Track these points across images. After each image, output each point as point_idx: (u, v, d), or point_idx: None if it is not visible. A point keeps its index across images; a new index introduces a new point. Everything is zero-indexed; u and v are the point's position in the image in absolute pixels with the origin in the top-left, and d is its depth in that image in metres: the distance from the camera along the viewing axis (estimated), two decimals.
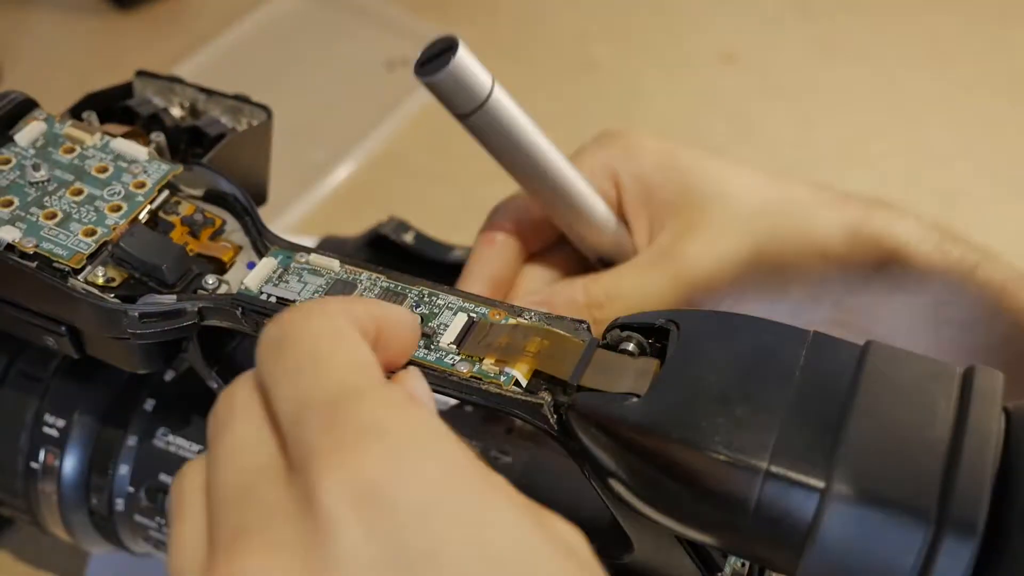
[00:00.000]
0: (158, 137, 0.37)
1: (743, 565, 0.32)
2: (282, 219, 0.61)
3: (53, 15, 0.73)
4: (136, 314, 0.32)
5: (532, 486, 0.34)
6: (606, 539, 0.32)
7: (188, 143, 0.39)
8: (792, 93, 0.71)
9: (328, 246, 0.46)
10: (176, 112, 0.40)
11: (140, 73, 0.40)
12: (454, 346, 0.30)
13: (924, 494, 0.24)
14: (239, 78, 0.69)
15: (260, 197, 0.41)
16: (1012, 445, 0.26)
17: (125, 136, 0.37)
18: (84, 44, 0.71)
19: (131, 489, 0.38)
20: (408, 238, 0.44)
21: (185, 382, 0.38)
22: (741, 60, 0.73)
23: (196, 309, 0.32)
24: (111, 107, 0.39)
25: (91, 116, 0.38)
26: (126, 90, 0.40)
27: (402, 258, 0.44)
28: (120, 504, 0.38)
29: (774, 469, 0.25)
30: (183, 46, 0.70)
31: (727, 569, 0.31)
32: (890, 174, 0.66)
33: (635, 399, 0.27)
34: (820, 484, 0.25)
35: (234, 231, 0.35)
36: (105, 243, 0.33)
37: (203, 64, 0.71)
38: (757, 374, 0.27)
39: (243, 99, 0.40)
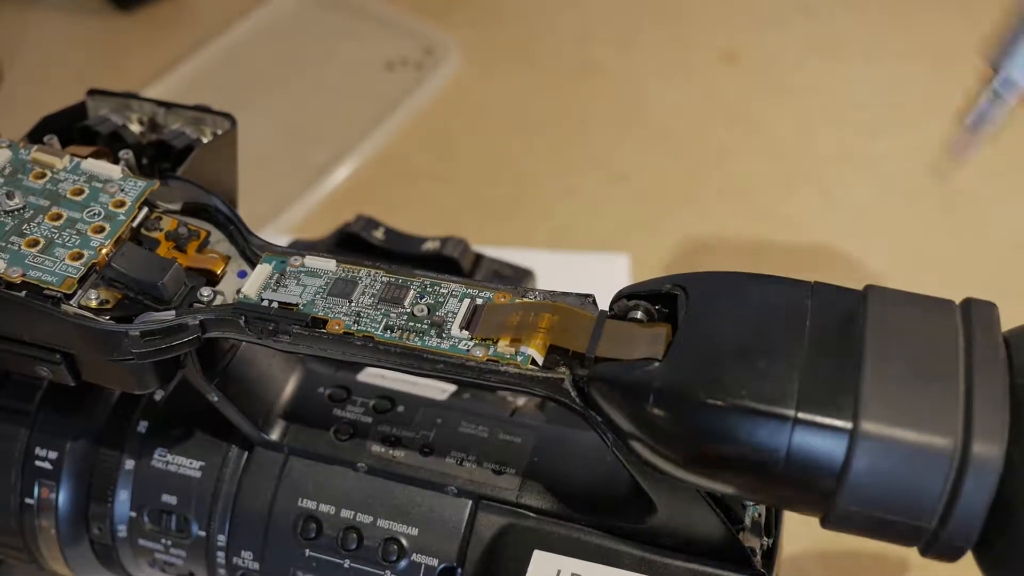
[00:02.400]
0: (126, 155, 0.37)
1: (759, 515, 0.33)
2: (282, 219, 0.60)
3: (53, 15, 0.72)
4: (137, 333, 0.31)
5: (545, 464, 0.35)
6: (626, 506, 0.33)
7: (154, 158, 0.38)
8: (792, 93, 0.71)
9: (297, 248, 0.46)
10: (135, 128, 0.39)
11: (92, 92, 0.40)
12: (465, 332, 0.31)
13: (947, 423, 0.26)
14: (239, 78, 0.69)
15: (231, 205, 0.40)
16: (1015, 368, 0.27)
17: (92, 156, 0.36)
18: (84, 44, 0.71)
19: (133, 514, 0.37)
20: (378, 234, 0.44)
21: (177, 400, 0.38)
22: (742, 60, 0.73)
23: (198, 322, 0.32)
24: (69, 128, 0.38)
25: (53, 140, 0.37)
26: (80, 110, 0.39)
27: (373, 255, 0.44)
28: (122, 530, 0.37)
29: (802, 415, 0.26)
30: (183, 46, 0.70)
31: (747, 520, 0.32)
32: (890, 174, 0.67)
33: (655, 363, 0.28)
34: (848, 425, 0.26)
35: (219, 241, 0.35)
36: (93, 265, 0.32)
37: (203, 64, 0.70)
38: (769, 327, 0.28)
39: (204, 109, 0.39)
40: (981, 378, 0.26)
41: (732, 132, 0.69)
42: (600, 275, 0.54)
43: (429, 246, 0.44)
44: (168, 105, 0.39)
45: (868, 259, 0.61)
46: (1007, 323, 0.29)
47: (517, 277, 0.44)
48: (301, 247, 0.46)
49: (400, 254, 0.44)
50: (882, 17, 0.77)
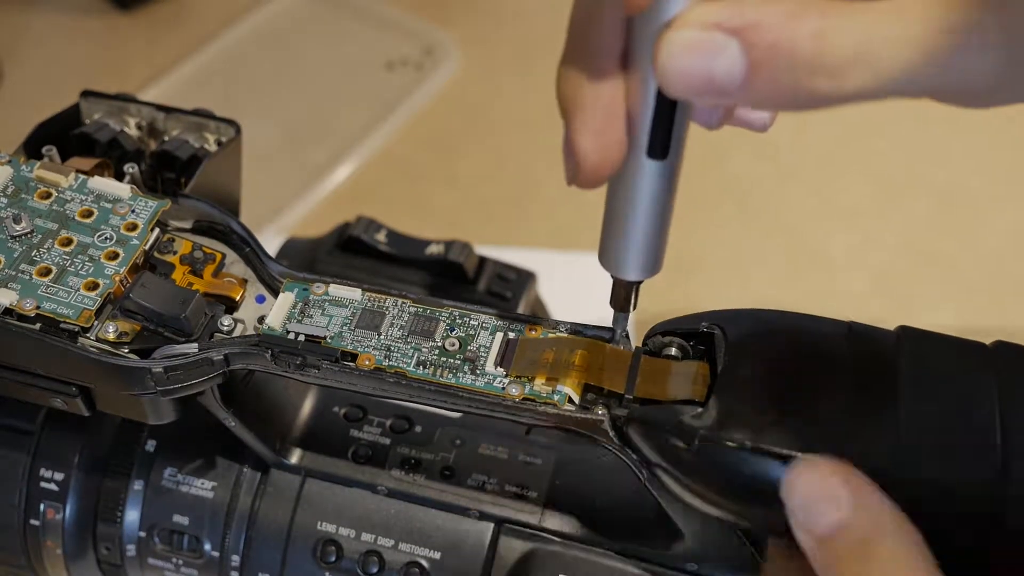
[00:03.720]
0: (132, 169, 0.35)
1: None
2: (282, 219, 0.60)
3: (54, 16, 0.71)
4: (161, 369, 0.30)
5: (567, 487, 0.35)
6: (651, 530, 0.33)
7: (156, 168, 0.37)
8: None
9: (293, 247, 0.45)
10: (133, 132, 0.38)
11: (85, 93, 0.38)
12: (500, 369, 0.30)
13: (984, 469, 0.26)
14: (239, 78, 0.68)
15: (235, 212, 0.39)
16: None
17: (95, 169, 0.35)
18: (85, 44, 0.69)
19: (142, 534, 0.36)
20: (381, 237, 0.43)
21: (185, 419, 0.37)
22: None
23: (222, 357, 0.31)
24: (65, 135, 0.37)
25: (52, 152, 0.35)
26: (74, 113, 0.38)
27: (376, 258, 0.43)
28: (131, 550, 0.37)
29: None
30: (183, 46, 0.68)
31: (769, 549, 0.33)
32: (889, 173, 0.66)
33: (698, 408, 0.28)
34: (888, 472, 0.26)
35: (234, 263, 0.34)
36: (109, 295, 0.31)
37: (203, 64, 0.69)
38: (809, 369, 0.28)
39: (206, 114, 0.38)
40: (1015, 424, 0.27)
41: (730, 132, 0.68)
42: (603, 275, 0.54)
43: (433, 250, 0.43)
44: (167, 109, 0.38)
45: (868, 259, 0.61)
46: (1008, 321, 0.29)
47: (520, 280, 0.44)
48: (296, 246, 0.45)
49: (404, 259, 0.43)
50: None
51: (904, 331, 0.29)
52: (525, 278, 0.44)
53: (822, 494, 0.25)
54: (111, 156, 0.36)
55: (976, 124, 0.69)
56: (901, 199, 0.65)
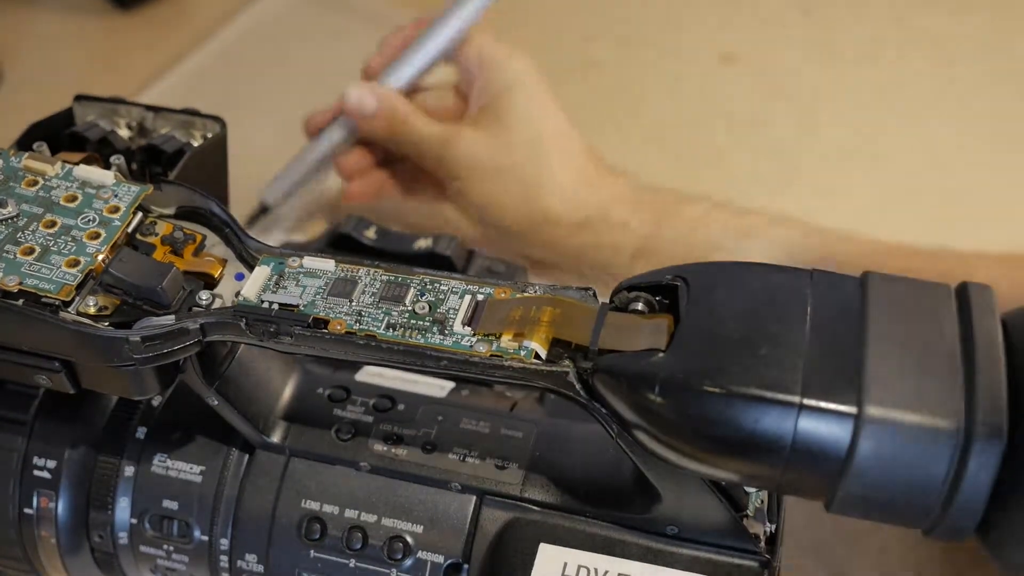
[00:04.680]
0: (118, 160, 0.36)
1: (762, 502, 0.33)
2: (282, 219, 0.60)
3: (53, 15, 0.72)
4: (137, 339, 0.31)
5: (548, 458, 0.35)
6: (631, 496, 0.33)
7: (145, 162, 0.38)
8: (792, 93, 0.71)
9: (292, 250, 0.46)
10: (124, 133, 0.39)
11: (79, 97, 0.39)
12: (468, 328, 0.31)
13: (950, 405, 0.26)
14: (238, 78, 0.69)
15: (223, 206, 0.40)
16: (1014, 351, 0.27)
17: (83, 162, 0.36)
18: (84, 44, 0.71)
19: (134, 520, 0.37)
20: (370, 233, 0.44)
21: (174, 405, 0.37)
22: (741, 60, 0.73)
23: (198, 326, 0.31)
24: (57, 135, 0.38)
25: (43, 147, 0.37)
26: (68, 116, 0.39)
27: (365, 254, 0.44)
28: (123, 537, 0.37)
29: (807, 402, 0.27)
30: (183, 46, 0.70)
31: (750, 507, 0.33)
32: (890, 174, 0.67)
33: (659, 354, 0.28)
34: (853, 410, 0.26)
35: (215, 244, 0.35)
36: (90, 272, 0.32)
37: (202, 64, 0.70)
38: (771, 315, 0.28)
39: (193, 112, 0.39)
40: (981, 360, 0.27)
41: (731, 131, 0.69)
42: None
43: (421, 244, 0.44)
44: (156, 109, 0.39)
45: None
46: None
47: (510, 273, 0.44)
48: (292, 248, 0.46)
49: (393, 253, 0.44)
50: (881, 17, 0.77)
51: (867, 275, 0.29)
52: (514, 271, 0.44)
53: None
54: (101, 154, 0.38)
55: (979, 125, 0.69)
56: (905, 202, 0.65)
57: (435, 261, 0.43)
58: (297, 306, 0.32)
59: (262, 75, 0.70)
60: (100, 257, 0.32)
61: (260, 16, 0.74)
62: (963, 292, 0.29)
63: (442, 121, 0.55)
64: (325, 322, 0.31)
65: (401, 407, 0.37)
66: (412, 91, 0.57)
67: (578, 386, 0.30)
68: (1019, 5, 0.78)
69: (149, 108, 0.39)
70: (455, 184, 0.54)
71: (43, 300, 0.31)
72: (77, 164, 0.35)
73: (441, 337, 0.31)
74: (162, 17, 0.73)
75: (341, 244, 0.44)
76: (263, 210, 0.57)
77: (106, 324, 0.32)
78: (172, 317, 0.32)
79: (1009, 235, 0.62)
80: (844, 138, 0.69)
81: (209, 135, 0.39)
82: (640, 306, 0.31)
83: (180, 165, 0.37)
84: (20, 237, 0.33)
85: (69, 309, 0.31)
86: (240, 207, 0.40)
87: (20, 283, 0.31)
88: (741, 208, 0.54)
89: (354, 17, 0.73)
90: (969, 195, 0.65)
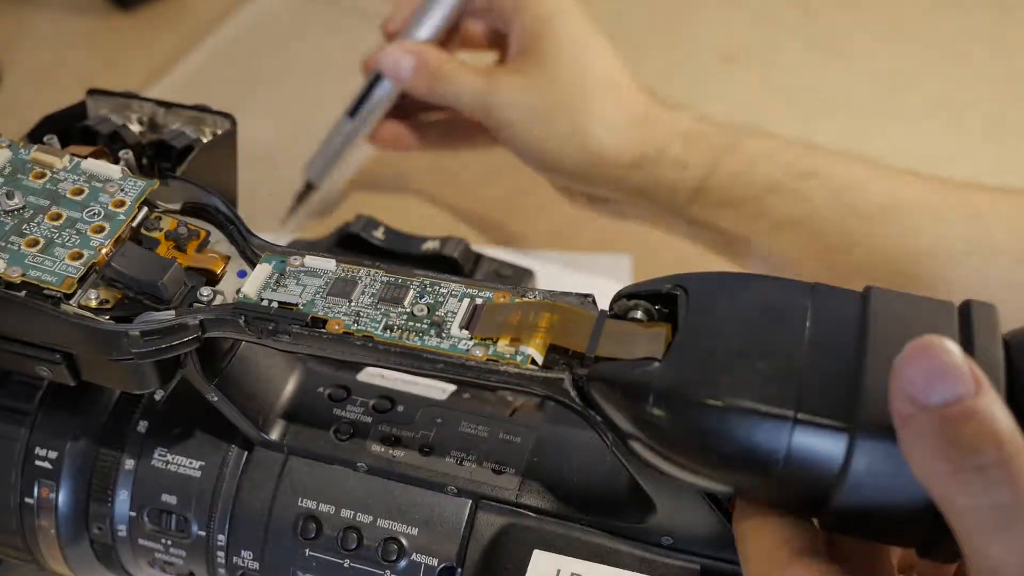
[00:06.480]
0: (126, 155, 0.37)
1: None
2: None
3: (53, 15, 0.73)
4: (137, 333, 0.31)
5: (545, 464, 0.35)
6: (626, 505, 0.33)
7: (154, 157, 0.38)
8: (792, 93, 0.71)
9: (296, 248, 0.46)
10: (135, 128, 0.39)
11: (92, 91, 0.40)
12: (465, 331, 0.31)
13: None
14: (238, 77, 0.69)
15: (230, 204, 0.41)
16: (1015, 371, 0.27)
17: (92, 156, 0.36)
18: (84, 44, 0.71)
19: (133, 513, 0.37)
20: (378, 234, 0.44)
21: (177, 400, 0.37)
22: (741, 60, 0.73)
23: (198, 322, 0.32)
24: (69, 129, 0.38)
25: (53, 140, 0.37)
26: (80, 110, 0.39)
27: (373, 255, 0.44)
28: (123, 530, 0.37)
29: (802, 416, 0.26)
30: (183, 46, 0.70)
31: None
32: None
33: (655, 363, 0.28)
34: (847, 425, 0.26)
35: (219, 241, 0.35)
36: (93, 265, 0.32)
37: (203, 63, 0.70)
38: (770, 328, 0.28)
39: (204, 109, 0.39)
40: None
41: None
42: (602, 275, 0.54)
43: (429, 246, 0.44)
44: (168, 105, 0.39)
45: None
46: (1010, 322, 0.29)
47: (517, 277, 0.44)
48: (301, 247, 0.46)
49: (400, 254, 0.44)
50: (881, 17, 0.77)
51: (869, 290, 0.29)
52: (522, 275, 0.44)
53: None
54: (112, 148, 0.38)
55: (979, 125, 0.69)
56: None
57: (442, 263, 0.43)
58: (296, 305, 0.32)
59: (262, 72, 0.70)
60: (103, 251, 0.33)
61: (259, 14, 0.74)
62: (966, 309, 0.28)
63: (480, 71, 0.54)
64: (323, 321, 0.31)
65: (400, 409, 0.36)
66: (443, 41, 0.55)
67: (573, 393, 0.30)
68: (1020, 5, 0.78)
69: (160, 104, 0.39)
70: (503, 132, 0.52)
71: (45, 292, 0.32)
72: (86, 158, 0.35)
73: (438, 340, 0.31)
74: (162, 17, 0.73)
75: (350, 244, 0.44)
76: (308, 187, 0.57)
77: (107, 317, 0.32)
78: (172, 312, 0.32)
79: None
80: (844, 138, 0.68)
81: (219, 132, 0.39)
82: (639, 314, 0.31)
83: (188, 161, 0.37)
84: (25, 229, 0.33)
85: (71, 302, 0.32)
86: (244, 203, 0.40)
87: (23, 275, 0.32)
88: (806, 144, 0.52)
89: (353, 12, 0.73)
90: None
